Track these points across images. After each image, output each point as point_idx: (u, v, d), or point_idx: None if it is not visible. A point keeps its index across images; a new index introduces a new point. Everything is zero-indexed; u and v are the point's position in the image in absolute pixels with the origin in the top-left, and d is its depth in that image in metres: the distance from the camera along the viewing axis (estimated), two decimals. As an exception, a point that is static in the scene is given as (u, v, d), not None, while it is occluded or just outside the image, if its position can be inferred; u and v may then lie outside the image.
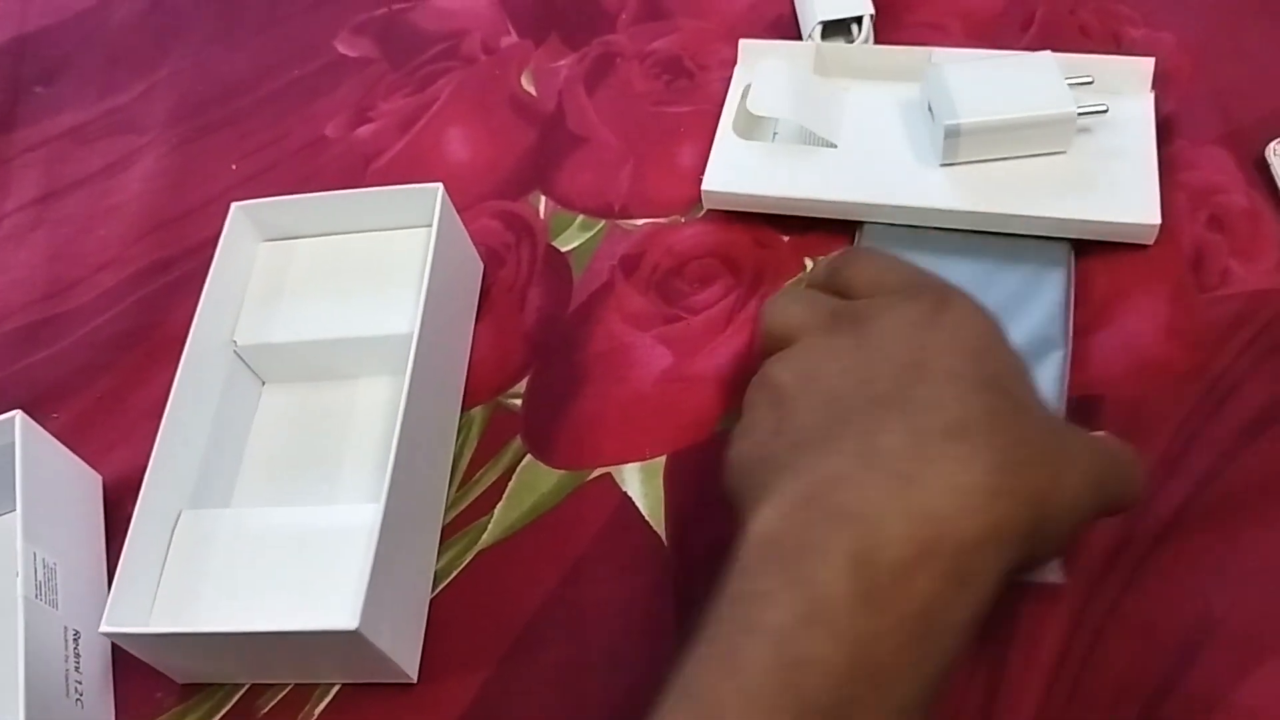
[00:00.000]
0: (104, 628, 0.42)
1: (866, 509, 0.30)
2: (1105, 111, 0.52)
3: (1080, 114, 0.51)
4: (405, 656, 0.44)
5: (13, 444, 0.47)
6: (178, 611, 0.44)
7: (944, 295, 0.36)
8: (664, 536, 0.46)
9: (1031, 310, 0.49)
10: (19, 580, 0.43)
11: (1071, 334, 0.48)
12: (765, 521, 0.31)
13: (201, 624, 0.41)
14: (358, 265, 0.53)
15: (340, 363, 0.52)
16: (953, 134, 0.52)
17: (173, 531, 0.47)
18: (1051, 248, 0.51)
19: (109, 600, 0.42)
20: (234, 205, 0.52)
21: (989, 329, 0.35)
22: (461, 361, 0.52)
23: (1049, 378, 0.47)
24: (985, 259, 0.51)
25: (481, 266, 0.56)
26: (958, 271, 0.39)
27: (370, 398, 0.51)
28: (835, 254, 0.36)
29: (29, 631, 0.42)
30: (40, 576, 0.45)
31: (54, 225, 0.63)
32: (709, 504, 0.46)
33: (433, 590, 0.46)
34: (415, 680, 0.44)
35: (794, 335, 0.38)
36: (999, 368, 0.34)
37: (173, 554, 0.46)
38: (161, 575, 0.46)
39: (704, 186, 0.54)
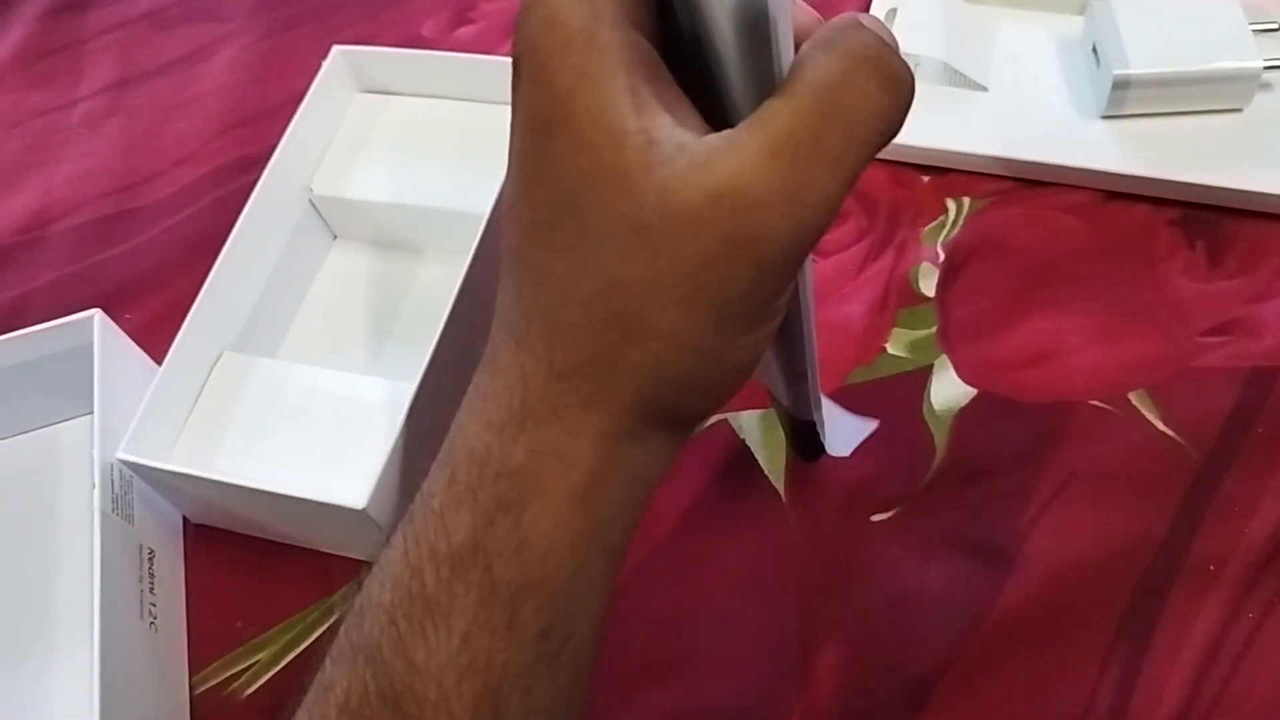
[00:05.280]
0: (121, 455, 0.40)
1: None
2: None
3: (1266, 69, 0.47)
4: None
5: (90, 344, 0.44)
6: (199, 452, 0.43)
7: None
8: (782, 492, 0.43)
9: None
10: (95, 493, 0.40)
11: None
12: None
13: (218, 471, 0.40)
14: (450, 133, 0.50)
15: (412, 231, 0.50)
16: (1121, 84, 0.47)
17: (210, 371, 0.45)
18: None
19: (130, 428, 0.41)
20: (335, 48, 0.50)
21: None
22: None
23: None
24: None
25: None
26: None
27: (435, 272, 0.50)
28: None
29: (105, 547, 0.39)
30: (117, 490, 0.41)
31: (129, 114, 0.59)
32: (835, 464, 0.42)
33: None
34: None
35: None
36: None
37: (206, 394, 0.45)
38: (191, 413, 0.44)
39: (838, 126, 0.50)
